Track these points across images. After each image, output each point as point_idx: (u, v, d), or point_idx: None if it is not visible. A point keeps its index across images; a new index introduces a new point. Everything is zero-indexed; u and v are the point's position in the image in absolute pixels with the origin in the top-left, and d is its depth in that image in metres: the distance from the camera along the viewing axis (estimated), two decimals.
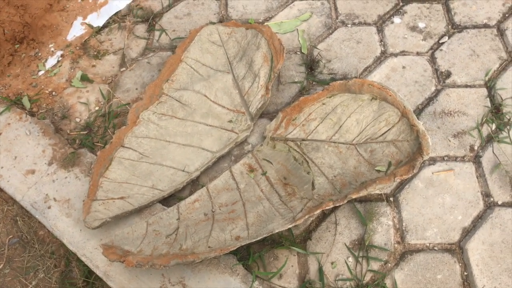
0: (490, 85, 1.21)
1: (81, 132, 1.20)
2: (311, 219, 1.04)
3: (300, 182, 1.03)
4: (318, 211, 0.94)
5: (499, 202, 1.03)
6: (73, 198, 1.09)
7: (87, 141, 1.18)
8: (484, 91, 1.20)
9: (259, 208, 1.00)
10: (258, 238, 0.92)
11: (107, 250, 0.93)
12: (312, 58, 1.29)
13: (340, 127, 1.09)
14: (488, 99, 1.18)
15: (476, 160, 1.09)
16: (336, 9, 1.40)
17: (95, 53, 1.34)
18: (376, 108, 1.08)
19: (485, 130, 1.13)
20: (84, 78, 1.28)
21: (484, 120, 1.15)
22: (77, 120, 1.22)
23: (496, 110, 1.16)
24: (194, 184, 1.11)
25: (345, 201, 0.95)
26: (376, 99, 1.08)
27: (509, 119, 1.14)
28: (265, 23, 1.37)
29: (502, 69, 1.24)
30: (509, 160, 1.08)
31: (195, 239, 0.96)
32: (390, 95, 1.06)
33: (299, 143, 1.10)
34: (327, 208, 0.95)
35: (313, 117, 1.12)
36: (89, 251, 1.02)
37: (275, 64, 1.18)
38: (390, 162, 1.01)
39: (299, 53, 1.31)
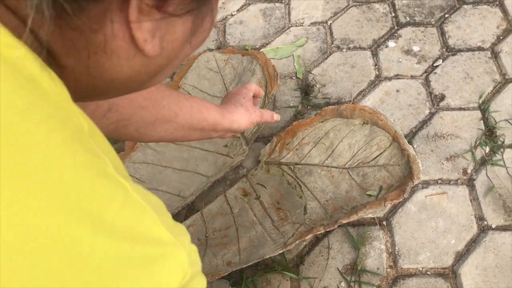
0: (483, 108, 1.21)
1: None
2: (304, 243, 1.05)
3: (293, 206, 1.05)
4: (309, 236, 0.95)
5: (493, 226, 1.03)
6: None
7: None
8: (478, 113, 1.21)
9: (251, 233, 1.01)
10: (249, 264, 0.93)
11: None
12: (307, 83, 1.31)
13: (333, 151, 1.10)
14: (482, 121, 1.19)
15: (470, 183, 1.10)
16: (331, 34, 1.43)
17: None
18: (367, 132, 1.09)
19: (479, 153, 1.14)
20: None
21: (477, 143, 1.15)
22: None
23: (489, 132, 1.16)
24: (189, 209, 1.13)
25: (336, 226, 0.96)
26: (368, 124, 1.10)
27: (502, 142, 1.14)
28: (262, 49, 1.41)
29: (496, 92, 1.24)
30: (503, 183, 1.08)
31: None
32: (381, 120, 1.07)
33: (292, 167, 1.12)
34: (318, 233, 0.96)
35: (306, 142, 1.14)
36: None
37: (269, 90, 1.20)
38: (381, 187, 1.02)
39: (294, 78, 1.33)
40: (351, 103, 1.25)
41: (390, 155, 1.05)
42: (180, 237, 0.33)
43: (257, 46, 1.43)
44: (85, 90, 0.36)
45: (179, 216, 1.12)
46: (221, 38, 1.46)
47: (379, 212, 1.05)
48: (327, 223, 0.97)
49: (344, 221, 0.95)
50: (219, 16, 1.51)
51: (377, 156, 1.06)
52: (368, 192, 1.02)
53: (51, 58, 0.31)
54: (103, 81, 0.35)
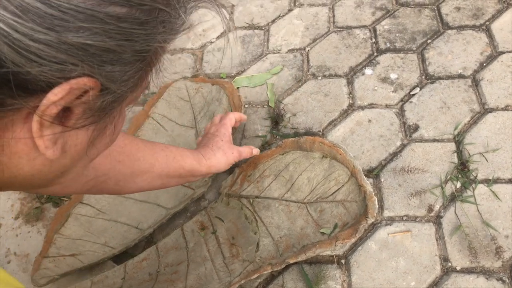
0: (458, 140, 1.15)
1: None
2: (258, 280, 1.01)
3: (246, 243, 1.01)
4: (255, 276, 0.92)
5: (458, 268, 0.97)
6: (32, 253, 1.12)
7: (53, 196, 1.21)
8: (452, 145, 1.15)
9: (200, 270, 0.99)
10: None
11: None
12: (278, 112, 1.29)
13: (292, 185, 1.07)
14: (455, 154, 1.13)
15: (437, 220, 1.04)
16: (308, 61, 1.41)
17: None
18: (326, 166, 1.05)
19: (449, 188, 1.08)
20: None
21: (448, 177, 1.09)
22: None
23: (462, 166, 1.10)
24: (148, 241, 1.11)
25: (283, 266, 0.92)
26: (327, 157, 1.06)
27: (475, 177, 1.08)
28: (236, 77, 1.39)
29: (473, 122, 1.18)
30: (471, 222, 1.01)
31: None
32: (340, 154, 1.03)
33: (251, 201, 1.09)
34: (264, 272, 0.92)
35: (267, 174, 1.11)
36: None
37: None
38: (336, 224, 0.98)
39: (266, 106, 1.31)
40: (320, 133, 1.21)
41: (348, 191, 1.01)
42: None
43: (232, 74, 1.42)
44: None
45: (137, 248, 1.10)
46: (197, 66, 1.46)
47: (330, 251, 1.01)
48: (275, 262, 0.94)
49: (292, 261, 0.91)
50: (198, 44, 1.52)
51: (335, 192, 1.02)
52: (321, 230, 0.98)
53: None
54: (5, 177, 0.38)
